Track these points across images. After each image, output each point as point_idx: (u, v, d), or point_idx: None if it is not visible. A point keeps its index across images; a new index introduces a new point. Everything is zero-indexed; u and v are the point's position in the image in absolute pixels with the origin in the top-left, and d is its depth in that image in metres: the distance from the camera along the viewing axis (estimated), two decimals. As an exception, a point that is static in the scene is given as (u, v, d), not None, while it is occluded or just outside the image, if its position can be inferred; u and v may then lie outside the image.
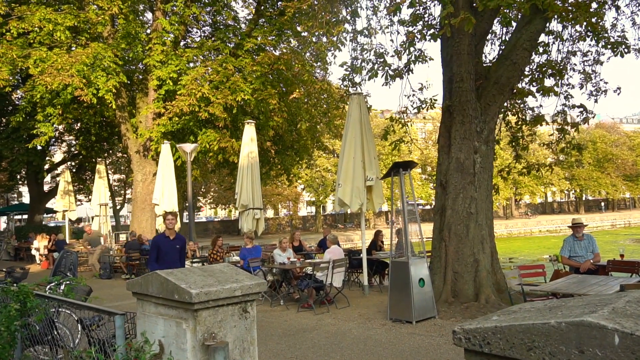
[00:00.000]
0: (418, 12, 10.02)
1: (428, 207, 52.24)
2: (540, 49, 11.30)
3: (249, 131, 13.65)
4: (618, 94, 11.56)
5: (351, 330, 7.81)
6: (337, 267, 9.85)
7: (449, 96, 9.57)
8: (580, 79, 11.62)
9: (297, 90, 16.44)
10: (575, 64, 12.50)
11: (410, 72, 10.84)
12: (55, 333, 5.19)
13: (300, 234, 13.71)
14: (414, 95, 11.72)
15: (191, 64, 18.03)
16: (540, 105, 11.91)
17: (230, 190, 38.90)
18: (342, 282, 10.27)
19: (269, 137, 18.59)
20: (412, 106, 11.65)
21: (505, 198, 52.23)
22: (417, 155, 47.97)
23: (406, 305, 8.10)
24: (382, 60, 11.01)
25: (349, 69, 11.74)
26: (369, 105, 13.22)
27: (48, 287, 5.73)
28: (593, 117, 11.44)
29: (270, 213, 54.47)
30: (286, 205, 53.08)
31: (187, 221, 17.25)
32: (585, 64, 11.62)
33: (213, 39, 19.73)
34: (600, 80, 11.73)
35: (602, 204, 66.14)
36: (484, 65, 10.26)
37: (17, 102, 22.66)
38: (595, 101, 11.68)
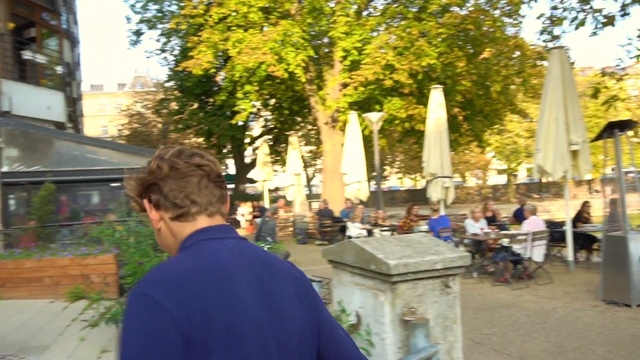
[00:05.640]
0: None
1: (642, 174, 45.59)
2: None
3: (436, 96, 13.12)
4: None
5: (555, 310, 7.07)
6: (537, 240, 9.01)
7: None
8: None
9: (488, 50, 15.30)
10: None
11: (626, 16, 9.30)
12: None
13: (493, 204, 12.90)
14: (630, 44, 10.07)
15: (374, 33, 17.93)
16: None
17: (417, 160, 38.55)
18: (543, 256, 9.39)
19: (456, 103, 17.74)
20: (628, 56, 10.02)
21: None
22: (627, 115, 42.06)
23: (623, 285, 7.05)
24: (588, 6, 9.63)
25: (548, 21, 10.53)
26: (571, 61, 11.74)
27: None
28: None
29: (457, 181, 52.86)
30: (474, 174, 50.97)
31: (375, 190, 17.45)
32: None
33: (396, 4, 19.34)
34: None
35: None
36: None
37: (220, 83, 24.98)
38: None
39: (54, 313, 7.86)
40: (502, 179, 55.42)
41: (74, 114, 21.63)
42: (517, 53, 17.39)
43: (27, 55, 13.29)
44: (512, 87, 20.45)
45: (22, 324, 7.26)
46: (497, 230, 10.75)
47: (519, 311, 7.11)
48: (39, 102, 12.96)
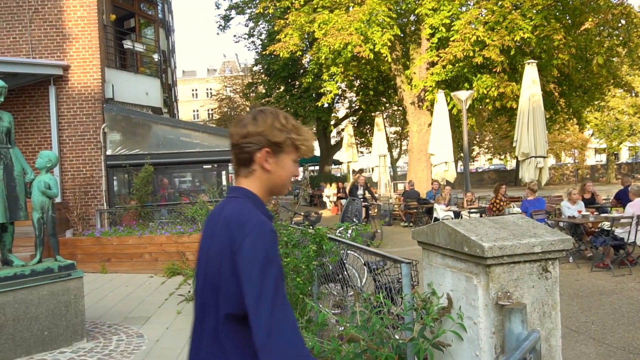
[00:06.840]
0: None
1: None
2: None
3: (530, 72, 12.44)
4: None
5: (664, 299, 6.56)
6: (643, 224, 8.36)
7: None
8: None
9: (591, 20, 14.16)
10: None
11: None
12: (345, 273, 5.57)
13: (592, 185, 12.09)
14: None
15: (464, 8, 17.22)
16: None
17: (507, 139, 36.97)
18: (650, 241, 8.71)
19: (552, 78, 16.69)
20: None
21: None
22: None
23: None
24: None
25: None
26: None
27: (337, 231, 6.17)
28: None
29: (551, 162, 50.11)
30: (570, 154, 48.06)
31: (462, 171, 16.97)
32: None
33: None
34: None
35: None
36: None
37: (306, 65, 25.20)
38: None
39: (154, 287, 8.39)
40: (601, 159, 51.91)
41: (169, 100, 22.77)
42: (623, 22, 16.04)
43: (127, 44, 14.10)
44: (615, 59, 18.97)
45: (126, 296, 7.82)
46: (596, 213, 10.08)
47: (620, 299, 6.67)
48: (138, 89, 13.73)
